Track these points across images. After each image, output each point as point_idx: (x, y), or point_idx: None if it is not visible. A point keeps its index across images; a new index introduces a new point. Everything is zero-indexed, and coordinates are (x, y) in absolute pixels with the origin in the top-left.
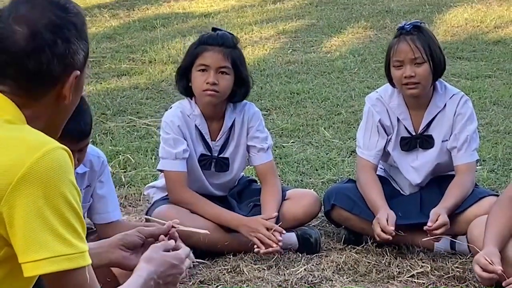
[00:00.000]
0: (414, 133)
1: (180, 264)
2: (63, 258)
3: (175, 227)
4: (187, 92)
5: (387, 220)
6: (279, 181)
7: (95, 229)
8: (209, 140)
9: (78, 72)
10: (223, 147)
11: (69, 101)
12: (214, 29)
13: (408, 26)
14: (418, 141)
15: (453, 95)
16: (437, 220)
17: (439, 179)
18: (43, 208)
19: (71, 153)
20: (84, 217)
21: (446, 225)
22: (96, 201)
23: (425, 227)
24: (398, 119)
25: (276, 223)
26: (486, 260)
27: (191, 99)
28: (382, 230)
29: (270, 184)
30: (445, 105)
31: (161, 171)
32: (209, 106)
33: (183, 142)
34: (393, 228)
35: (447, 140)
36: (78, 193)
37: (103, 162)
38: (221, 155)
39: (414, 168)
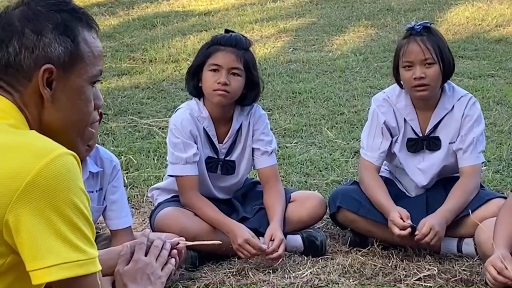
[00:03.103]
0: (421, 135)
1: (142, 265)
2: (74, 264)
3: (186, 244)
4: (197, 92)
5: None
6: (281, 185)
7: (100, 232)
8: (216, 143)
9: (50, 66)
10: (230, 150)
11: (48, 99)
12: (227, 31)
13: (418, 27)
14: (425, 142)
15: (461, 97)
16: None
17: (445, 181)
18: (50, 214)
19: (79, 158)
20: (95, 221)
21: (433, 229)
22: (109, 207)
23: (416, 234)
24: (405, 120)
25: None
26: (503, 263)
27: (199, 100)
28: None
29: (273, 189)
30: (453, 106)
31: (172, 176)
32: (218, 107)
33: (193, 146)
34: (409, 222)
35: (454, 142)
36: (87, 199)
37: (115, 166)
38: (227, 158)
39: (421, 170)
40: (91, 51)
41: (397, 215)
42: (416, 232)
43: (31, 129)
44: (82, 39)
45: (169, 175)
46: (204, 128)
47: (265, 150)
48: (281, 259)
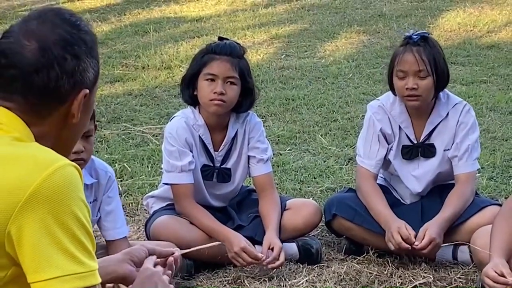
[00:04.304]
0: (415, 142)
1: (150, 273)
2: (74, 276)
3: (181, 252)
4: (192, 100)
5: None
6: (277, 193)
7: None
8: (212, 151)
9: (87, 91)
10: (226, 158)
11: (77, 120)
12: (220, 38)
13: (415, 37)
14: (419, 149)
15: (456, 104)
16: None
17: (440, 188)
18: (52, 226)
19: (80, 169)
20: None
21: (433, 242)
22: (104, 217)
23: (415, 245)
24: (399, 127)
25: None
26: (496, 272)
27: (195, 108)
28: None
29: (268, 196)
30: (447, 114)
31: (167, 184)
32: (214, 116)
33: (189, 154)
34: (413, 238)
35: (449, 149)
36: (88, 210)
37: (110, 177)
38: (223, 166)
39: (415, 177)
40: (99, 66)
41: (403, 226)
42: (416, 243)
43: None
44: (98, 57)
45: (164, 183)
46: (199, 136)
47: (260, 157)
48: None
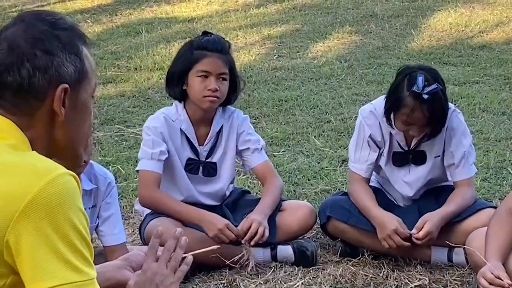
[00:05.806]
0: (406, 148)
1: (150, 274)
2: (73, 285)
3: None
4: (181, 95)
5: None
6: (278, 179)
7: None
8: (196, 145)
9: (66, 85)
10: (211, 152)
11: (62, 118)
12: (205, 33)
13: (427, 96)
14: (410, 156)
15: None
16: (422, 227)
17: (435, 190)
18: (50, 235)
19: (78, 178)
20: (91, 240)
21: (430, 235)
22: (102, 223)
23: (412, 234)
24: (390, 134)
25: (271, 235)
26: (493, 274)
27: (180, 103)
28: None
29: (270, 183)
30: None
31: (137, 171)
32: (202, 110)
33: (162, 144)
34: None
35: (439, 156)
36: (86, 219)
37: (109, 183)
38: (208, 160)
39: (407, 183)
40: (91, 66)
41: (399, 226)
42: (414, 231)
43: (34, 148)
44: (85, 55)
45: (136, 170)
46: (182, 130)
47: (255, 147)
48: (261, 237)
